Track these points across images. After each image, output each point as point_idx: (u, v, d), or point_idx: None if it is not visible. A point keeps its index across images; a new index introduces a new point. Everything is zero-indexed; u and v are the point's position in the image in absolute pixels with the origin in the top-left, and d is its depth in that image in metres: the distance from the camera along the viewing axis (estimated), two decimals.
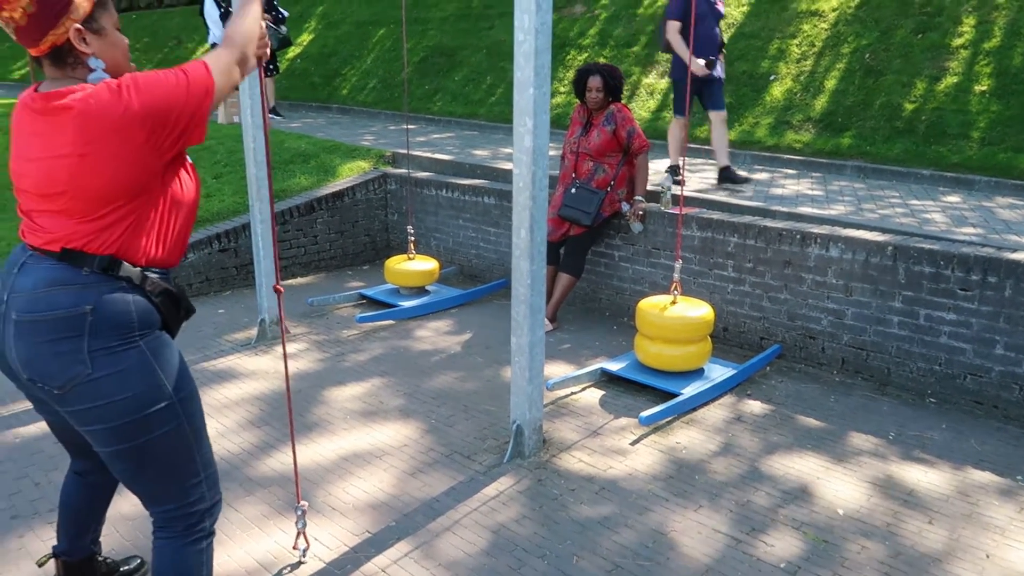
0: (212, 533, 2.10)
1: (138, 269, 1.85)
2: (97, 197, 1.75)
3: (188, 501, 2.00)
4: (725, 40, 6.23)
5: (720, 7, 5.66)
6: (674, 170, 5.88)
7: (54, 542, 2.48)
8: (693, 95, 5.67)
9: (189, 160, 2.00)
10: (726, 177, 5.76)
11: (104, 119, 1.70)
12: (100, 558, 2.49)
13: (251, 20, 1.98)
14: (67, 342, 1.76)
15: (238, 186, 6.29)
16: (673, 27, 5.55)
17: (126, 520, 2.91)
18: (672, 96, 6.32)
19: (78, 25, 1.76)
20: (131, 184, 1.76)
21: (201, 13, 9.04)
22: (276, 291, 2.21)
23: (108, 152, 1.71)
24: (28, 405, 3.80)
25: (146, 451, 1.87)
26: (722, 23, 5.88)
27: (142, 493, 1.99)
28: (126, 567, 2.59)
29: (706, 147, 7.46)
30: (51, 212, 1.79)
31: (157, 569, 2.03)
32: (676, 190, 5.12)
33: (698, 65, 5.44)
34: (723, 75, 5.75)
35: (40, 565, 2.50)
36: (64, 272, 1.78)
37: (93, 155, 1.71)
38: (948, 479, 3.28)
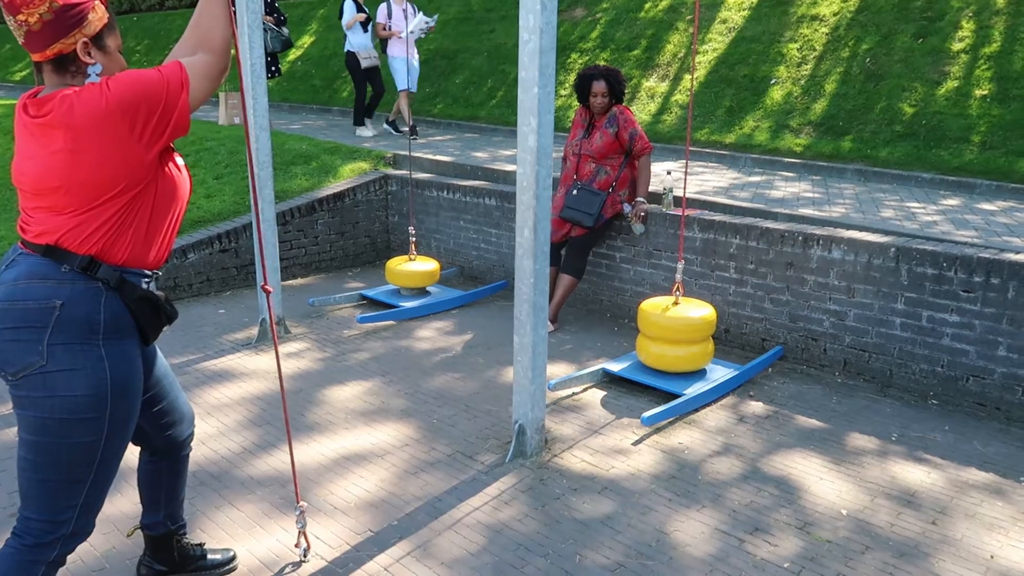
0: (58, 564, 1.99)
1: (117, 272, 1.89)
2: (90, 189, 1.82)
3: (52, 519, 1.93)
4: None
5: None
6: None
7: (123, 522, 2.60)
8: None
9: (181, 160, 2.06)
10: None
11: (89, 114, 1.77)
12: (185, 541, 2.54)
13: (226, 21, 1.96)
14: (30, 332, 1.82)
15: (239, 187, 6.28)
16: None
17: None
18: None
19: (86, 39, 1.86)
20: (121, 175, 1.83)
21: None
22: (265, 291, 2.19)
23: (96, 144, 1.78)
24: None
25: (51, 451, 1.87)
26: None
27: (22, 489, 1.94)
28: (214, 556, 2.61)
29: (707, 150, 7.48)
30: (44, 208, 1.86)
31: None
32: (678, 191, 5.13)
33: None
34: None
35: (128, 536, 2.62)
36: (45, 266, 1.84)
37: (83, 149, 1.78)
38: (951, 480, 3.28)
